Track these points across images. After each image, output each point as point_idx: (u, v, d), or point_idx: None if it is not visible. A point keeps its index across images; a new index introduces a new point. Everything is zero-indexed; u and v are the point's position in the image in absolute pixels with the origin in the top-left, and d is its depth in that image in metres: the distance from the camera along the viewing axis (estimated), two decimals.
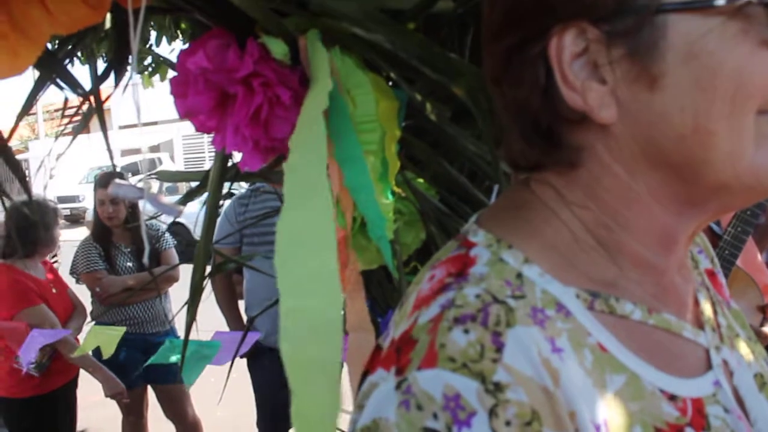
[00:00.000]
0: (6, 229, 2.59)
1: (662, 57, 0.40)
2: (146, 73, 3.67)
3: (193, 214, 0.98)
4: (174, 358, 2.27)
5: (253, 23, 0.75)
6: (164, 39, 3.36)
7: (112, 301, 2.83)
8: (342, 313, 0.46)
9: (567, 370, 0.40)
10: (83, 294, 2.96)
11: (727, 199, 0.44)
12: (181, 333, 2.80)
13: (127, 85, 1.02)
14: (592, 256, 0.46)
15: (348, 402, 0.50)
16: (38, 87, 0.96)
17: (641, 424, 0.42)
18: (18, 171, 0.97)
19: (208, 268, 1.05)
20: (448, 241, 0.51)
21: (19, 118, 0.99)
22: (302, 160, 0.55)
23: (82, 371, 2.75)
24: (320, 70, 0.67)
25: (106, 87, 1.02)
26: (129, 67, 0.92)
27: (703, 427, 0.44)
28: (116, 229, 2.90)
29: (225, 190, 1.10)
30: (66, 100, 1.10)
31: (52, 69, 0.94)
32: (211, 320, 2.12)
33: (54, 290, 2.72)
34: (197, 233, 1.02)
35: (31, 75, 0.96)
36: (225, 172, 0.97)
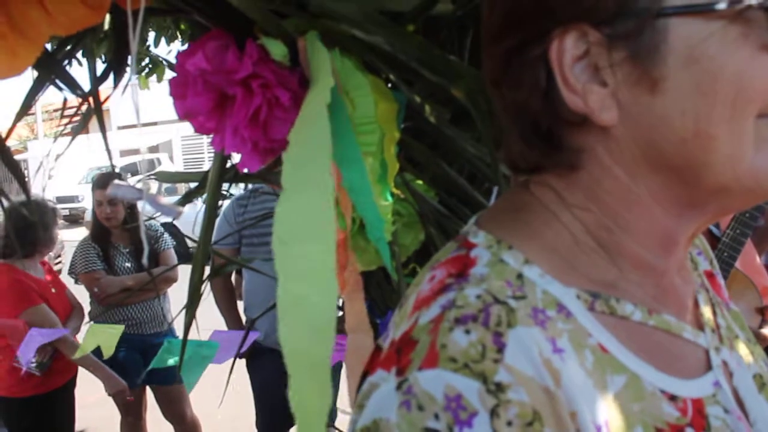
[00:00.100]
0: (5, 229, 2.59)
1: (663, 60, 0.41)
2: (143, 74, 3.67)
3: (187, 214, 0.97)
4: (172, 361, 2.27)
5: (252, 24, 0.75)
6: (163, 39, 3.35)
7: (111, 302, 2.83)
8: (338, 300, 0.46)
9: (568, 370, 0.40)
10: (82, 294, 2.96)
11: (727, 202, 0.45)
12: (179, 333, 2.80)
13: (126, 85, 1.02)
14: (592, 257, 0.46)
15: (346, 402, 0.50)
16: (37, 87, 0.96)
17: (642, 425, 0.42)
18: (16, 171, 0.97)
19: (207, 269, 1.05)
20: (447, 242, 0.51)
21: (18, 118, 0.99)
22: (304, 150, 0.55)
23: (80, 371, 2.75)
24: (321, 68, 0.67)
25: (105, 88, 1.02)
26: (128, 68, 0.92)
27: (703, 427, 0.44)
28: (115, 229, 2.90)
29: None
30: (65, 100, 1.10)
31: (50, 70, 0.94)
32: (210, 320, 2.12)
33: (53, 290, 2.72)
34: (195, 234, 1.02)
35: (30, 75, 0.96)
36: (224, 173, 0.97)
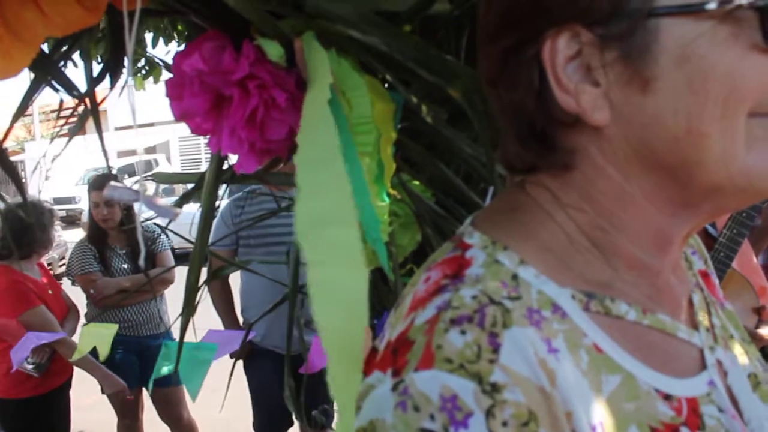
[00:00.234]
0: (2, 231, 2.59)
1: (655, 60, 0.41)
2: (140, 75, 3.67)
3: (185, 215, 0.97)
4: (167, 370, 2.26)
5: (248, 25, 0.75)
6: (161, 40, 3.35)
7: (107, 303, 2.82)
8: (368, 280, 0.47)
9: (563, 370, 0.40)
10: (79, 296, 2.95)
11: (721, 201, 0.45)
12: (176, 335, 2.80)
13: (123, 87, 1.02)
14: (587, 257, 0.46)
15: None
16: (33, 89, 0.95)
17: (637, 424, 0.42)
18: (13, 173, 0.97)
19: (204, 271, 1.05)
20: (443, 243, 0.52)
21: (14, 119, 0.99)
22: (314, 144, 0.55)
23: (76, 373, 2.75)
24: (319, 68, 0.67)
25: (102, 89, 1.02)
26: (124, 69, 0.92)
27: (698, 426, 0.44)
28: (111, 231, 2.90)
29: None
30: (61, 101, 1.10)
31: (47, 71, 0.94)
32: (207, 321, 2.12)
33: (50, 291, 2.71)
34: (192, 235, 1.02)
35: (27, 76, 0.95)
36: (221, 174, 0.97)
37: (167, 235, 2.98)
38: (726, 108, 0.40)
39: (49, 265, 6.87)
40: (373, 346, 0.48)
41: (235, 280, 2.59)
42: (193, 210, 1.15)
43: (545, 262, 0.45)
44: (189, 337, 1.19)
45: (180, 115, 0.77)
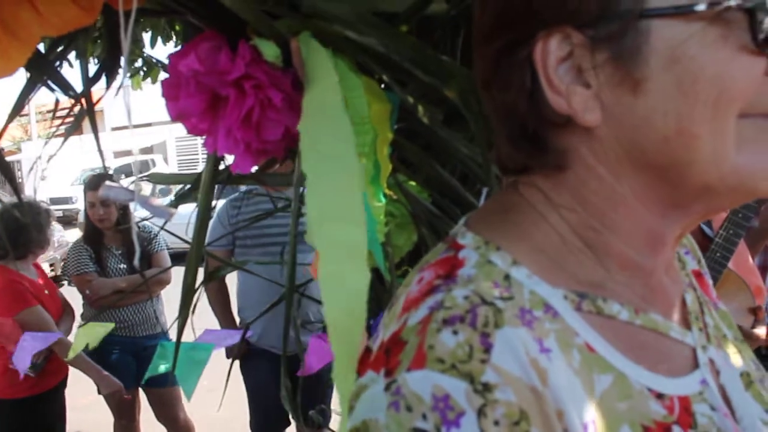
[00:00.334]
0: None
1: (645, 61, 0.41)
2: (138, 75, 3.66)
3: (181, 216, 0.97)
4: (164, 368, 2.25)
5: (244, 25, 0.75)
6: (159, 40, 3.35)
7: (103, 304, 2.82)
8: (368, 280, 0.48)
9: (555, 370, 0.41)
10: (75, 296, 2.95)
11: (711, 201, 0.45)
12: (173, 336, 2.80)
13: (120, 87, 1.02)
14: (579, 258, 0.47)
15: (336, 403, 0.51)
16: (29, 89, 0.95)
17: (629, 423, 0.42)
18: (8, 173, 0.97)
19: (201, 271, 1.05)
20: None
21: (10, 119, 0.99)
22: (323, 138, 0.56)
23: (72, 374, 2.74)
24: (320, 66, 0.67)
25: (98, 89, 1.02)
26: (120, 69, 0.92)
27: (690, 425, 0.44)
28: (107, 231, 2.89)
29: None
30: (57, 101, 1.10)
31: (42, 70, 0.94)
32: (204, 321, 2.11)
33: (46, 291, 2.71)
34: (189, 235, 1.02)
35: (23, 75, 0.95)
36: (217, 174, 0.97)
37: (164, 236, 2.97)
38: (716, 109, 0.40)
39: (51, 265, 6.86)
40: (366, 347, 0.48)
41: (232, 280, 2.59)
42: (189, 210, 1.15)
43: (538, 263, 0.46)
44: (186, 338, 1.19)
45: (176, 116, 0.77)
